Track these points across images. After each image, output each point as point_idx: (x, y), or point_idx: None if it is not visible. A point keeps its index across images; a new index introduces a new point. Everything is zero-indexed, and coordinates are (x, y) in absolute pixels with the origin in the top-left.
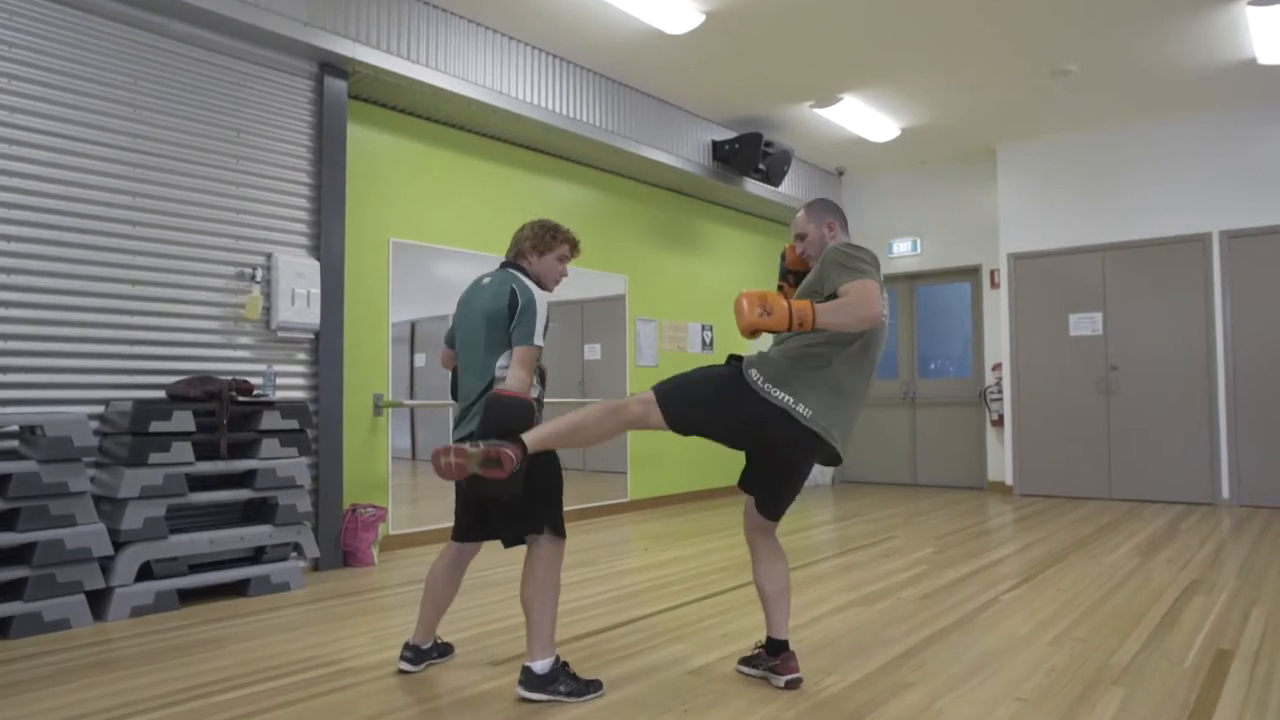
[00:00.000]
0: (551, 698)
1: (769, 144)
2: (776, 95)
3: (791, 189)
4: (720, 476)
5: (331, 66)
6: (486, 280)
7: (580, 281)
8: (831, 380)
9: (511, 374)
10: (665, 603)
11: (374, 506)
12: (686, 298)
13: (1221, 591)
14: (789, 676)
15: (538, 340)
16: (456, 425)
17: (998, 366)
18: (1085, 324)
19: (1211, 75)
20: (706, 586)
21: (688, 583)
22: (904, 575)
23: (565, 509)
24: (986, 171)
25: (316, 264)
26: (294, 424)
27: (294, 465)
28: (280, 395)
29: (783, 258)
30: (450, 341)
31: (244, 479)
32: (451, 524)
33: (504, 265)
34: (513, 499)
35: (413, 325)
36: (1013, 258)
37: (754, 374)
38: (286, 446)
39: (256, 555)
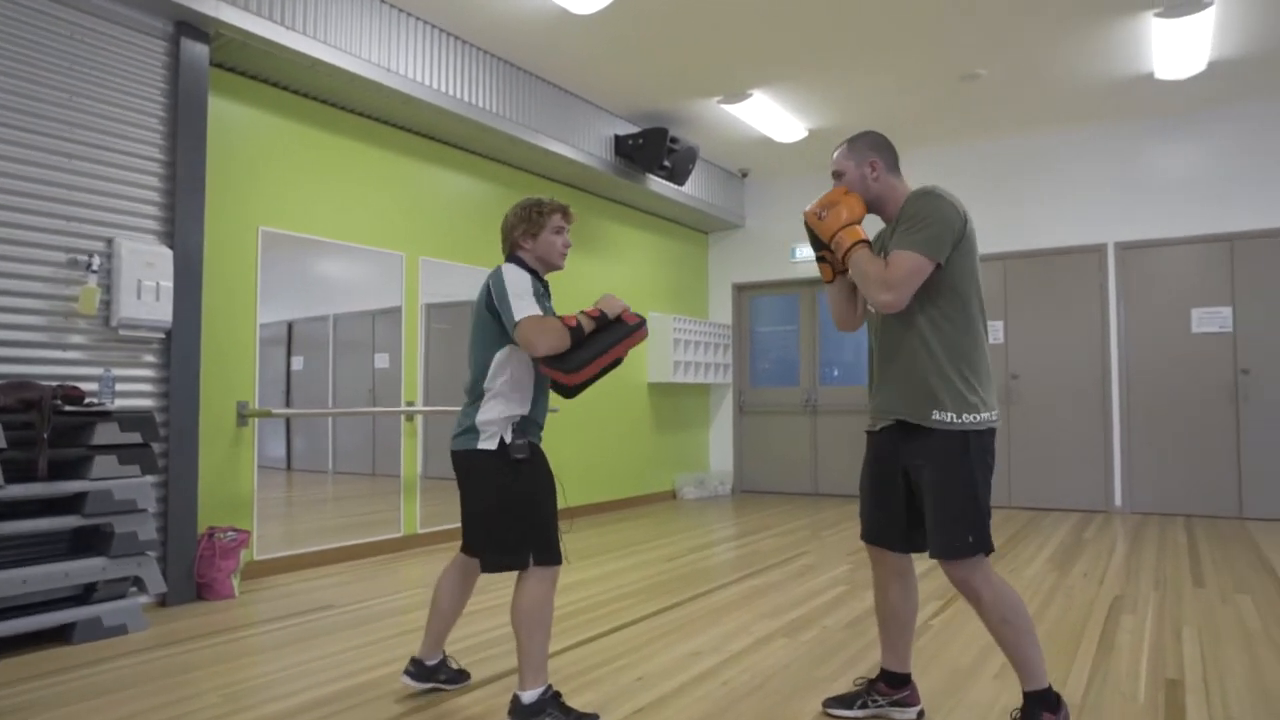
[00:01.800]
0: None
1: (674, 140)
2: (684, 88)
3: (694, 189)
4: (617, 487)
5: (190, 27)
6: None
7: (471, 280)
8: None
9: (528, 344)
10: (568, 639)
11: (235, 530)
12: (587, 299)
13: (1146, 608)
14: (919, 706)
15: (522, 313)
16: (452, 436)
17: None
18: (997, 330)
19: (1112, 88)
20: (613, 617)
21: (591, 613)
22: (824, 598)
23: (449, 525)
24: None
25: (169, 253)
26: (136, 437)
27: (135, 486)
28: (121, 404)
29: (809, 228)
30: None
31: (71, 503)
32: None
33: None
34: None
35: (290, 325)
36: None
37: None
38: (127, 464)
39: (86, 594)
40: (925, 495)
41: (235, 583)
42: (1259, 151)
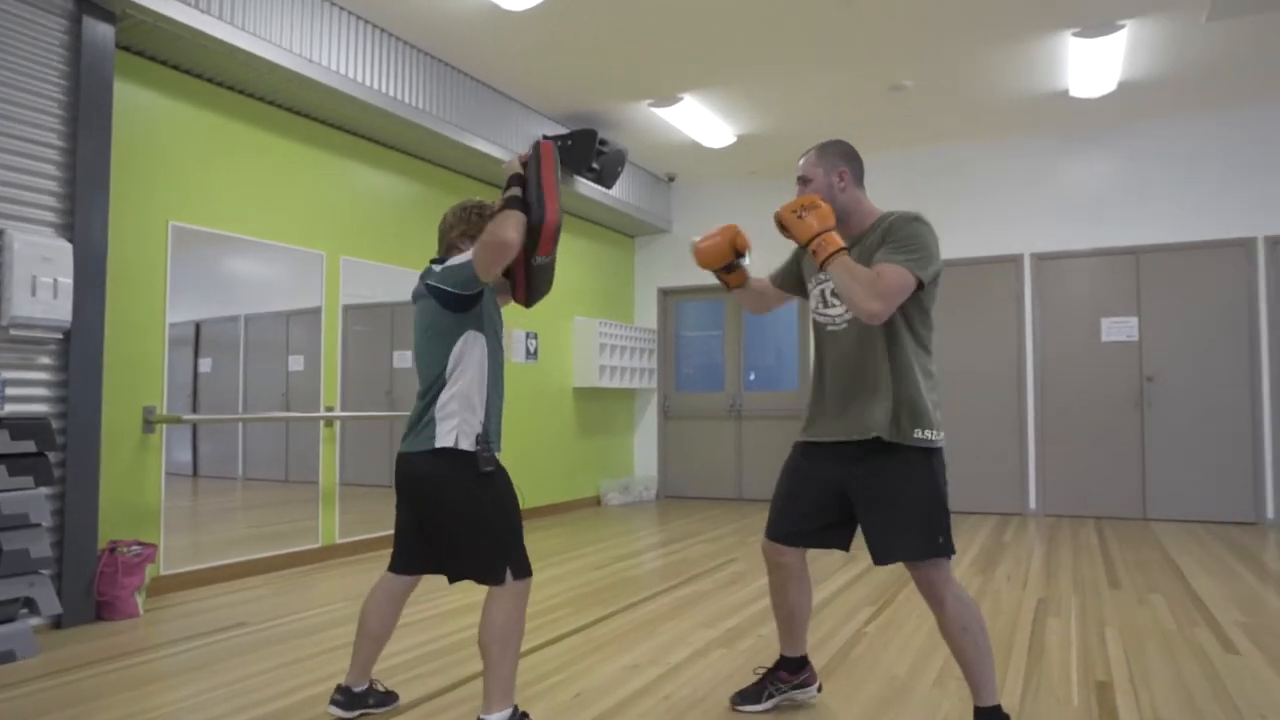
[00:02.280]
0: None
1: (604, 142)
2: (615, 90)
3: (621, 193)
4: (541, 493)
5: (93, 5)
6: (419, 285)
7: (388, 281)
8: None
9: (493, 250)
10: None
11: (140, 544)
12: (511, 305)
13: (1069, 611)
14: (818, 683)
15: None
16: (403, 439)
17: None
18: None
19: (1030, 103)
20: (545, 630)
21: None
22: (757, 606)
23: (369, 534)
24: None
25: (69, 247)
26: (30, 446)
27: (27, 499)
28: (13, 410)
29: (782, 225)
30: None
31: None
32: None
33: (436, 261)
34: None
35: (198, 326)
36: None
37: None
38: (18, 475)
39: None
40: (890, 505)
41: (140, 601)
42: (1163, 169)
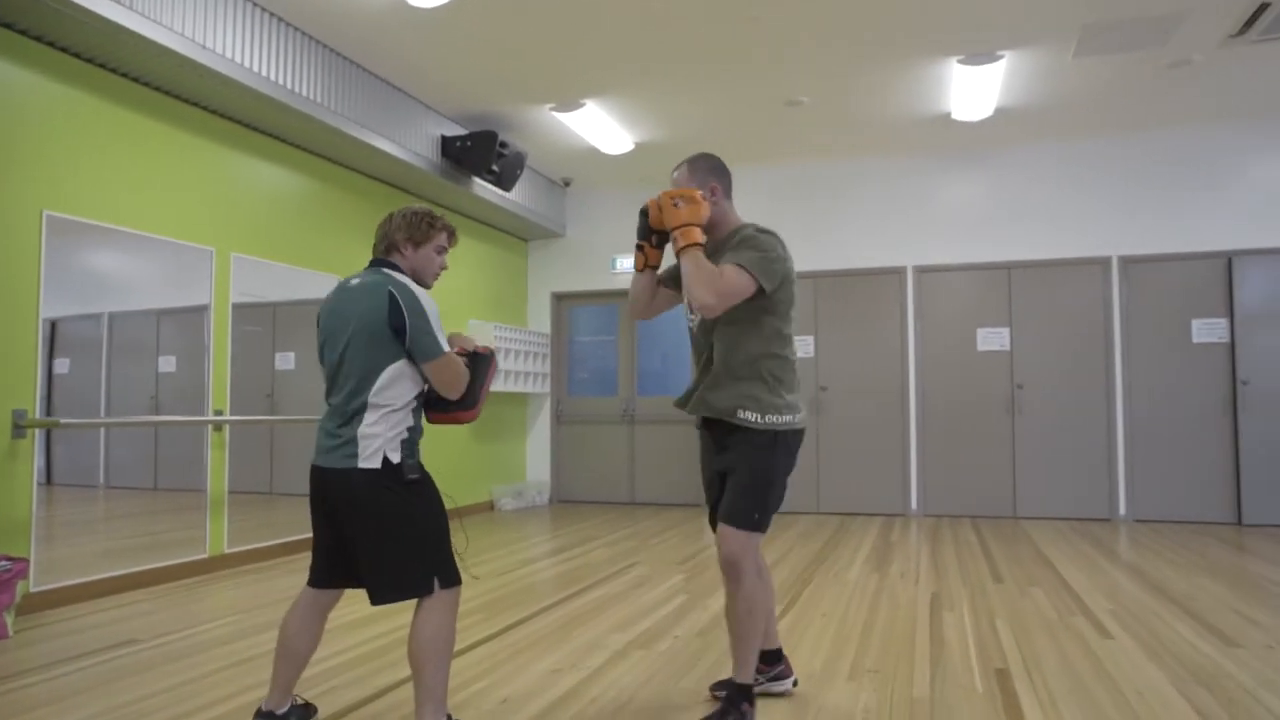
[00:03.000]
0: None
1: (504, 145)
2: (518, 93)
3: (517, 196)
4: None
5: None
6: (355, 282)
7: (275, 280)
8: None
9: (447, 384)
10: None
11: (9, 559)
12: None
13: (962, 604)
14: (794, 675)
15: (444, 345)
16: (320, 452)
17: None
18: (800, 346)
19: (915, 124)
20: (462, 635)
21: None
22: (668, 608)
23: (260, 543)
24: None
25: None
26: None
27: None
28: None
29: (644, 214)
30: (322, 359)
31: None
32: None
33: (373, 263)
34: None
35: (53, 324)
36: None
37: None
38: None
39: None
40: (734, 477)
41: (9, 621)
42: (1034, 190)
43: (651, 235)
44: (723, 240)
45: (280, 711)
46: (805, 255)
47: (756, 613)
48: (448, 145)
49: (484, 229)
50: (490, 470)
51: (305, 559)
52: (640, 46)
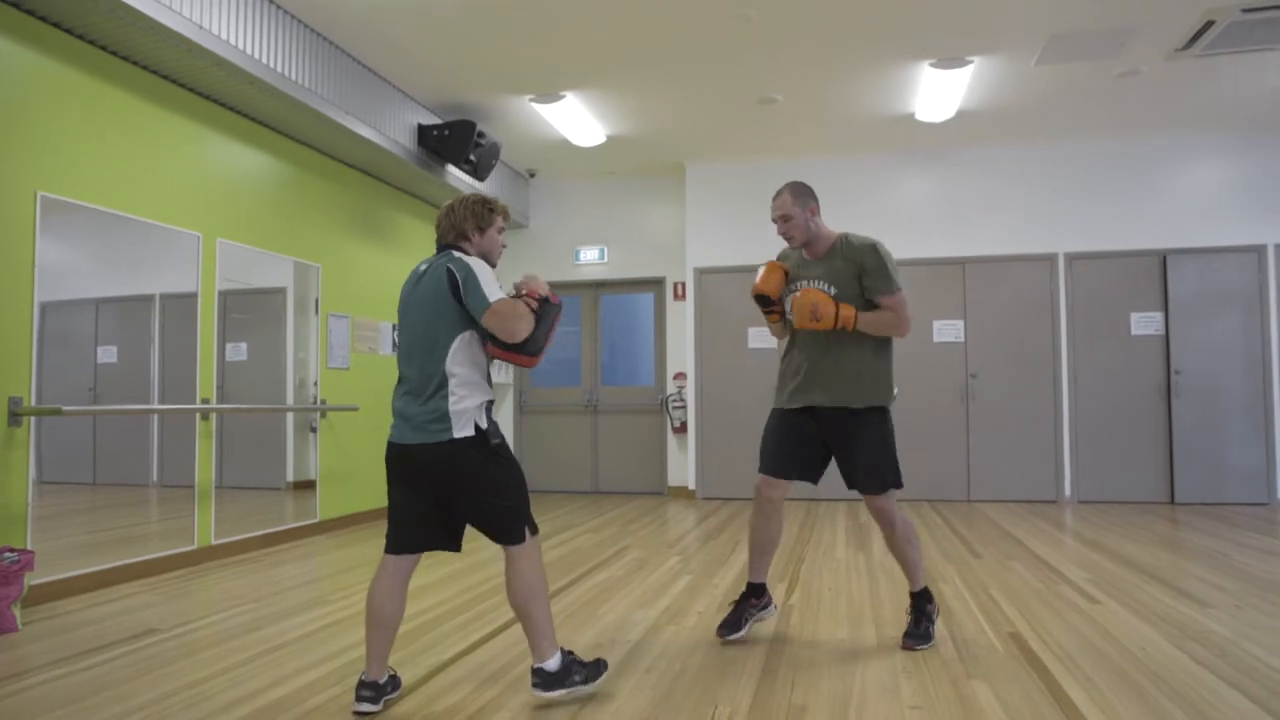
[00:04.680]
0: (570, 690)
1: (481, 135)
2: (499, 83)
3: (487, 187)
4: None
5: None
6: (423, 268)
7: (269, 267)
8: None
9: (502, 330)
10: (438, 655)
11: (12, 550)
12: (379, 295)
13: (952, 577)
14: (774, 604)
15: (495, 296)
16: (404, 429)
17: (680, 375)
18: (762, 336)
19: (880, 123)
20: (486, 617)
21: (450, 624)
22: (678, 587)
23: (232, 538)
24: (674, 187)
25: None
26: None
27: None
28: None
29: (762, 297)
30: (399, 343)
31: None
32: (93, 565)
33: (441, 249)
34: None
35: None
36: (698, 271)
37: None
38: None
39: None
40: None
41: (18, 613)
42: (987, 189)
43: (771, 303)
44: (826, 252)
45: (382, 680)
46: (769, 252)
47: (914, 538)
48: (424, 134)
49: None
50: None
51: (288, 553)
52: (623, 41)
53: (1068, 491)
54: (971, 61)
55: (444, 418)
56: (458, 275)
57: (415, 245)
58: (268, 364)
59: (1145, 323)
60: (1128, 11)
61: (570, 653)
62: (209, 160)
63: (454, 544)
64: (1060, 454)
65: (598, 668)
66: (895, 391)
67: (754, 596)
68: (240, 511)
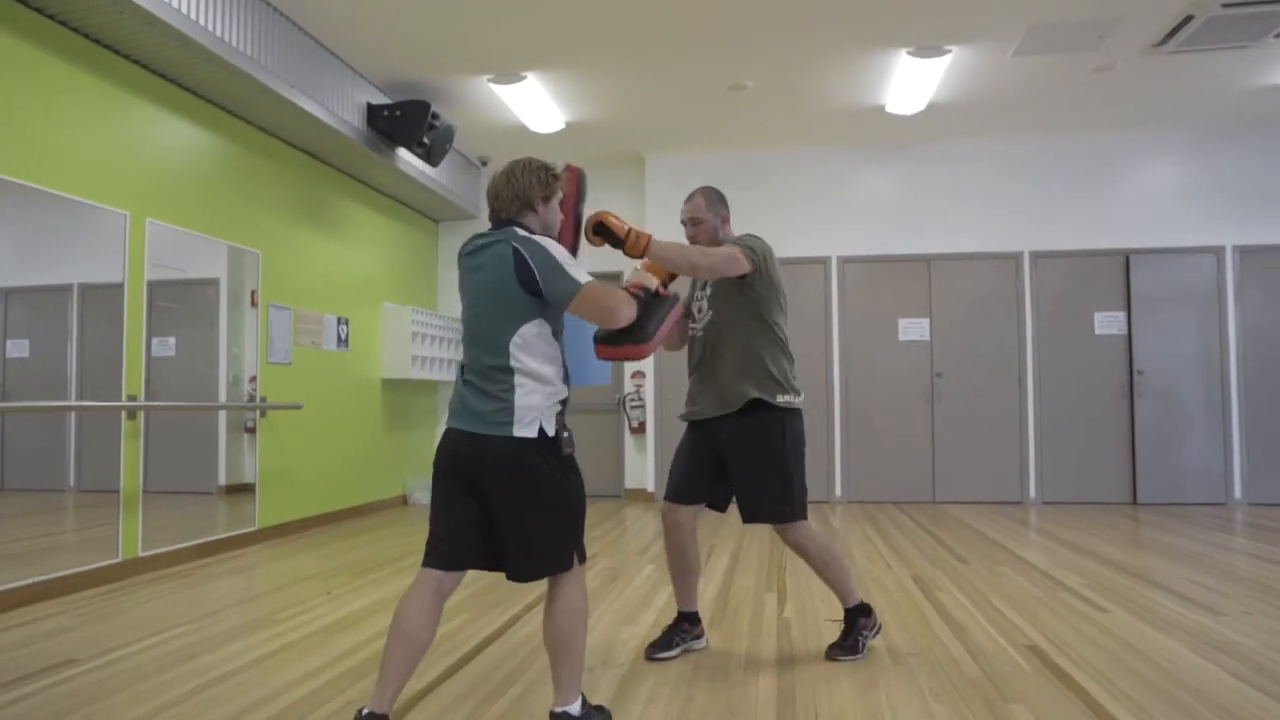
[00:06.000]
0: None
1: (435, 116)
2: (455, 62)
3: (432, 174)
4: (348, 494)
5: None
6: (484, 244)
7: (202, 250)
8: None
9: (596, 315)
10: (412, 683)
11: None
12: (323, 286)
13: (947, 585)
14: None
15: (579, 278)
16: (463, 415)
17: (638, 374)
18: None
19: (850, 114)
20: (466, 631)
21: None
22: (660, 599)
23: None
24: (633, 180)
25: None
26: None
27: None
28: None
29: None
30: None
31: None
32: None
33: (501, 224)
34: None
35: None
36: None
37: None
38: None
39: None
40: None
41: None
42: (955, 185)
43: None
44: None
45: (388, 712)
46: None
47: (831, 561)
48: (375, 114)
49: (395, 206)
50: (402, 462)
51: (225, 562)
52: (587, 19)
53: (1033, 493)
54: (949, 51)
55: (507, 409)
56: (530, 260)
57: (363, 234)
58: (198, 359)
59: (1108, 322)
60: (1111, 2)
61: (585, 699)
62: (139, 132)
63: (500, 565)
64: (1025, 455)
65: (601, 714)
66: (798, 396)
67: (686, 622)
68: (169, 519)
